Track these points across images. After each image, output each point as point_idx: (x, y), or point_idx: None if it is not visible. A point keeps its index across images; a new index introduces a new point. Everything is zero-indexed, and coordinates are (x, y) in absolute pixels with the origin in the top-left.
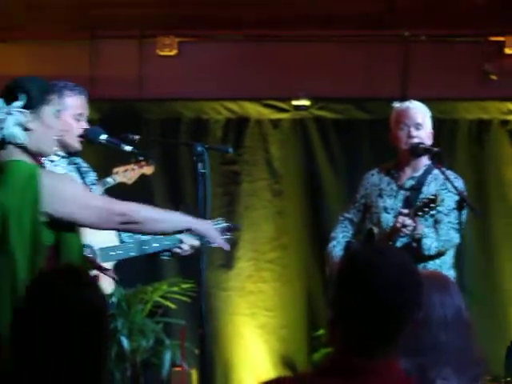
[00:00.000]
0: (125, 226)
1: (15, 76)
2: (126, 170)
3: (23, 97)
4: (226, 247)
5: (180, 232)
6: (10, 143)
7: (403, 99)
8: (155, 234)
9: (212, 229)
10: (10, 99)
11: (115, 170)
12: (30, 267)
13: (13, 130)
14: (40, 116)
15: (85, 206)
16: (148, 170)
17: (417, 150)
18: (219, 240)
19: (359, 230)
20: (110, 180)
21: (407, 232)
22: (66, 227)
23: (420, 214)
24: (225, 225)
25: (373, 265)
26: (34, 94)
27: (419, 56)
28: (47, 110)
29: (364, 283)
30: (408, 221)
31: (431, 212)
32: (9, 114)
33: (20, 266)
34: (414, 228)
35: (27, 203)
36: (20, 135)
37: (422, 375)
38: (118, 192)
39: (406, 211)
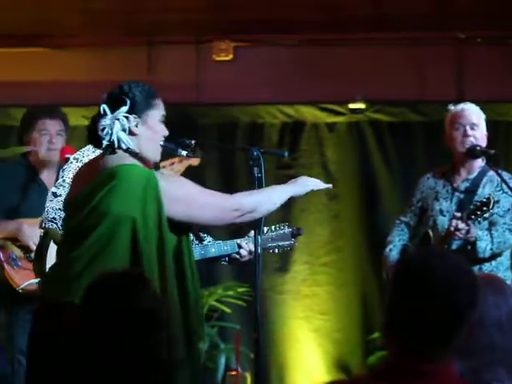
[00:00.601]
0: (241, 219)
1: (74, 83)
2: (172, 163)
3: (128, 102)
4: (326, 185)
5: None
6: (118, 148)
7: (458, 101)
8: (266, 214)
9: (308, 180)
10: (115, 105)
11: (162, 163)
12: (159, 271)
13: (120, 135)
14: (145, 121)
15: (200, 205)
16: (195, 161)
17: (474, 152)
18: (321, 184)
19: (415, 233)
20: None
21: (461, 235)
22: (185, 230)
23: (473, 217)
24: (289, 230)
25: (429, 267)
26: (138, 99)
27: (474, 58)
28: (152, 115)
29: (420, 285)
30: (461, 224)
31: (484, 215)
32: (116, 119)
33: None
34: (468, 231)
35: (151, 208)
36: (126, 140)
37: (476, 377)
38: None
39: (459, 214)
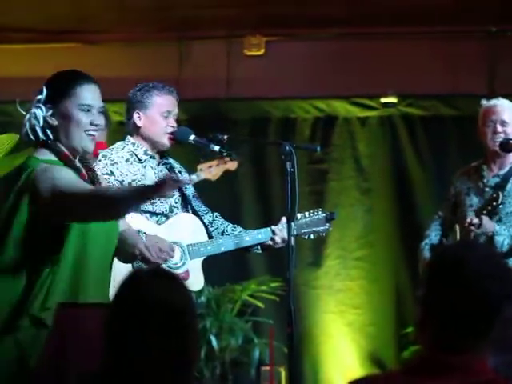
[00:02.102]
0: (102, 211)
1: (107, 78)
2: (210, 167)
3: (44, 91)
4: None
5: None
6: (36, 140)
7: (490, 95)
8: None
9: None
10: (36, 94)
11: (199, 166)
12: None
13: (32, 127)
14: (61, 110)
15: (60, 193)
16: (232, 165)
17: (506, 146)
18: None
19: (451, 228)
20: (193, 177)
21: (476, 230)
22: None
23: (484, 212)
24: (323, 215)
25: (462, 259)
26: (54, 88)
27: (506, 51)
28: (69, 103)
29: (453, 278)
30: (475, 219)
31: (494, 210)
32: (28, 109)
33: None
34: (480, 225)
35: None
36: (41, 133)
37: (510, 372)
38: (204, 189)
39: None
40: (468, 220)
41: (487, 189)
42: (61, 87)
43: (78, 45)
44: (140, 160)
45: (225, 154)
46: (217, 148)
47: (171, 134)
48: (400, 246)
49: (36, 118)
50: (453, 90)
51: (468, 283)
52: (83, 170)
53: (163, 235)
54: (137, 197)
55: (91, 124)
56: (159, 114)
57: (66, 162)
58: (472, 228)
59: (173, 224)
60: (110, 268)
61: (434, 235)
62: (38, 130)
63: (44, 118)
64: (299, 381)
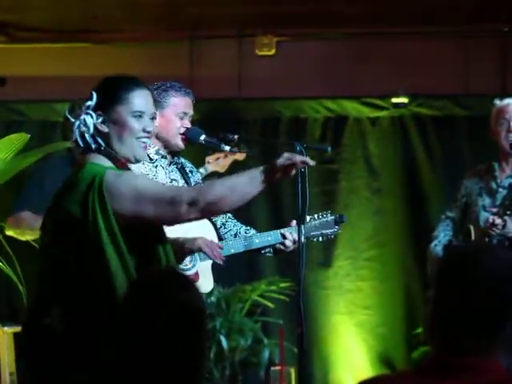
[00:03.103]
0: (200, 214)
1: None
2: (217, 158)
3: (94, 97)
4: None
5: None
6: (86, 147)
7: (502, 95)
8: (236, 207)
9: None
10: (86, 100)
11: (207, 158)
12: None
13: (81, 134)
14: (113, 117)
15: (149, 200)
16: (240, 156)
17: None
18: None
19: (460, 229)
20: (202, 170)
21: (497, 231)
22: (148, 233)
23: (508, 212)
24: (332, 217)
25: (474, 260)
26: (105, 94)
27: None
28: (121, 110)
29: (466, 278)
30: (498, 220)
31: None
32: (77, 116)
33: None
34: (504, 226)
35: (91, 208)
36: (89, 139)
37: None
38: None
39: (495, 210)
40: (490, 220)
41: (500, 189)
42: (112, 93)
43: (89, 44)
44: (151, 160)
45: (236, 152)
46: (227, 148)
47: (182, 134)
48: (410, 246)
49: (86, 124)
50: (464, 89)
51: (480, 284)
52: None
53: (173, 237)
54: (256, 184)
55: (143, 131)
56: (175, 114)
57: (121, 168)
58: (494, 229)
59: (183, 226)
60: None
61: (442, 236)
62: (88, 137)
63: (94, 125)
64: (309, 381)
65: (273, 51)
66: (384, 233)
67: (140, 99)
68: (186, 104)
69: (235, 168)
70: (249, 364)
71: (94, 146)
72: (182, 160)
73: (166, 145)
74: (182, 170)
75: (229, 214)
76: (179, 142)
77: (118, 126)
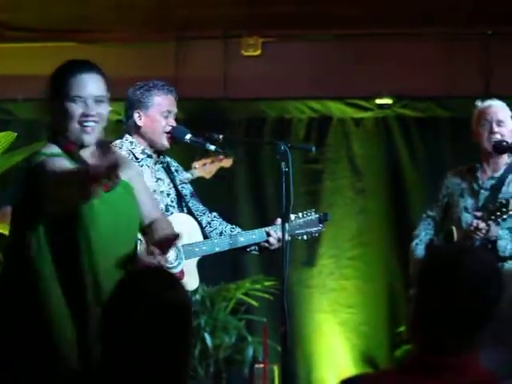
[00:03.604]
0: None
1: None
2: (204, 164)
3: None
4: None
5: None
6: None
7: (485, 97)
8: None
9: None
10: None
11: (194, 164)
12: None
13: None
14: (57, 107)
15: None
16: (226, 162)
17: (500, 147)
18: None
19: (441, 228)
20: (188, 175)
21: (481, 235)
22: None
23: (492, 217)
24: (316, 216)
25: (457, 261)
26: (51, 83)
27: (501, 54)
28: (61, 98)
29: (447, 279)
30: (482, 224)
31: (504, 216)
32: None
33: None
34: (488, 231)
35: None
36: (50, 130)
37: (506, 371)
38: (199, 188)
39: (479, 214)
40: (474, 225)
41: (482, 190)
42: (54, 85)
43: (76, 44)
44: (137, 159)
45: (221, 153)
46: (213, 147)
47: (168, 132)
48: (393, 245)
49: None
50: (447, 91)
51: (462, 285)
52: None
53: None
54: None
55: (84, 115)
56: (159, 113)
57: (70, 154)
58: (478, 233)
59: None
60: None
61: (424, 234)
62: (50, 128)
63: (51, 117)
64: (292, 379)
65: (258, 52)
66: (367, 232)
67: (79, 84)
68: (169, 102)
69: (221, 174)
70: (233, 361)
71: (49, 134)
72: (168, 159)
73: (152, 144)
74: (167, 169)
75: (214, 213)
76: (165, 142)
77: (62, 115)
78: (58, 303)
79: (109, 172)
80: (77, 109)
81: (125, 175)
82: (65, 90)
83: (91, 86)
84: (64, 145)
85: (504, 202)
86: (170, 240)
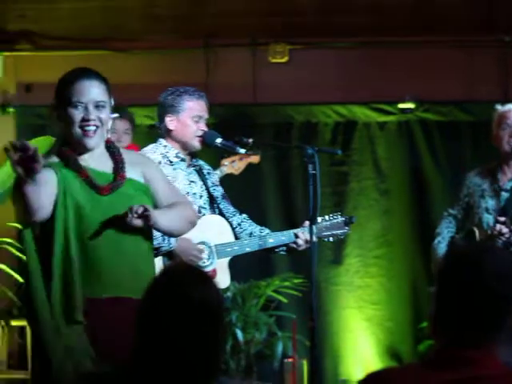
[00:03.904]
0: None
1: (136, 84)
2: (233, 161)
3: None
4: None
5: None
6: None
7: (504, 101)
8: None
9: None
10: None
11: (223, 161)
12: None
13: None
14: (61, 114)
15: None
16: (255, 158)
17: None
18: None
19: (462, 226)
20: (217, 172)
21: (504, 239)
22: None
23: None
24: (342, 219)
25: (478, 258)
26: (55, 95)
27: None
28: (63, 105)
29: (468, 276)
30: (505, 229)
31: None
32: None
33: None
34: (511, 235)
35: None
36: (60, 139)
37: None
38: (229, 190)
39: (502, 219)
40: (497, 229)
41: (503, 192)
42: (58, 93)
43: (109, 52)
44: (171, 162)
45: (250, 154)
46: (242, 151)
47: (200, 136)
48: (416, 244)
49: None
50: (468, 96)
51: (481, 283)
52: (87, 169)
53: (193, 235)
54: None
55: (84, 120)
56: (190, 118)
57: (66, 160)
58: (501, 237)
59: (202, 224)
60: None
61: (446, 232)
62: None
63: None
64: (320, 372)
65: (286, 59)
66: (391, 232)
67: (78, 90)
68: (200, 107)
69: (250, 170)
70: (263, 356)
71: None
72: (200, 162)
73: (184, 147)
74: (199, 172)
75: (244, 215)
76: (196, 144)
77: (65, 121)
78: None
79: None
80: (78, 114)
81: (136, 174)
82: (67, 97)
83: (91, 91)
84: (62, 151)
85: None
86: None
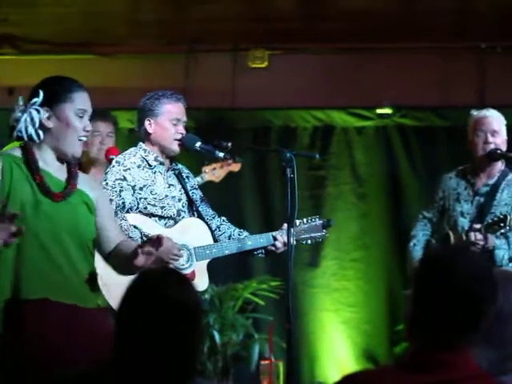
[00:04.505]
0: None
1: (119, 88)
2: (213, 169)
3: (41, 94)
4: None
5: None
6: (29, 140)
7: (480, 107)
8: None
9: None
10: (30, 97)
11: (203, 168)
12: None
13: (26, 128)
14: (58, 114)
15: None
16: (235, 167)
17: (494, 155)
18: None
19: (437, 229)
20: (198, 179)
21: (479, 247)
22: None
23: (490, 231)
24: (320, 222)
25: (452, 262)
26: (52, 92)
27: (494, 65)
28: (66, 108)
29: (443, 279)
30: (479, 236)
31: (501, 230)
32: (23, 111)
33: None
34: (485, 243)
35: None
36: (34, 133)
37: (501, 367)
38: (207, 193)
39: (478, 226)
40: (472, 238)
41: (477, 197)
42: (58, 92)
43: (91, 56)
44: (150, 166)
45: (229, 159)
46: (221, 154)
47: (179, 140)
48: (393, 248)
49: (32, 119)
50: (445, 102)
51: (456, 285)
52: (47, 172)
53: (172, 237)
54: None
55: (84, 130)
56: (169, 121)
57: (28, 160)
58: (476, 245)
59: (181, 227)
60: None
61: (421, 235)
62: (31, 130)
63: (40, 120)
64: (297, 374)
65: (265, 64)
66: (368, 235)
67: (82, 99)
68: (178, 110)
69: (230, 183)
70: (240, 358)
71: (36, 139)
72: (180, 166)
73: (163, 150)
74: (179, 176)
75: (223, 218)
76: (175, 148)
77: (63, 124)
78: None
79: None
80: (80, 123)
81: (92, 193)
82: (69, 103)
83: (89, 103)
84: (29, 150)
85: (502, 216)
86: (160, 239)
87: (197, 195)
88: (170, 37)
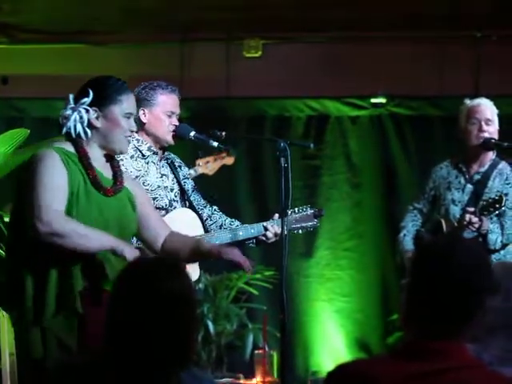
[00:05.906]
0: (44, 237)
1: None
2: (207, 162)
3: (91, 94)
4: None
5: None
6: (77, 137)
7: (475, 96)
8: (79, 250)
9: (133, 252)
10: (80, 96)
11: (197, 161)
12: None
13: (74, 126)
14: (106, 114)
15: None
16: (229, 160)
17: (488, 144)
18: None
19: (428, 219)
20: (191, 171)
21: (473, 229)
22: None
23: (485, 213)
24: (312, 211)
25: (448, 251)
26: (102, 93)
27: (489, 55)
28: (114, 110)
29: (439, 268)
30: (474, 219)
31: (496, 212)
32: (74, 110)
33: None
34: (480, 225)
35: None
36: (82, 131)
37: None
38: (201, 182)
39: (471, 209)
40: (467, 219)
41: (469, 185)
42: (108, 94)
43: (85, 45)
44: (144, 156)
45: (223, 149)
46: (215, 144)
47: (173, 131)
48: (387, 237)
49: (82, 117)
50: (439, 91)
51: (453, 275)
52: (96, 169)
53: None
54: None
55: (130, 130)
56: (163, 112)
57: (81, 157)
58: (470, 227)
59: (172, 217)
60: None
61: (411, 226)
62: (80, 128)
63: (89, 119)
64: (291, 364)
65: (259, 53)
66: (362, 225)
67: (130, 102)
68: (173, 102)
69: (224, 172)
70: (234, 347)
71: (84, 137)
72: (172, 155)
73: (157, 140)
74: (171, 165)
75: (215, 207)
76: (169, 139)
77: (111, 123)
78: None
79: None
80: (127, 124)
81: (129, 185)
82: (118, 105)
83: (135, 105)
84: (81, 147)
85: (497, 198)
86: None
87: (188, 185)
88: (164, 26)
